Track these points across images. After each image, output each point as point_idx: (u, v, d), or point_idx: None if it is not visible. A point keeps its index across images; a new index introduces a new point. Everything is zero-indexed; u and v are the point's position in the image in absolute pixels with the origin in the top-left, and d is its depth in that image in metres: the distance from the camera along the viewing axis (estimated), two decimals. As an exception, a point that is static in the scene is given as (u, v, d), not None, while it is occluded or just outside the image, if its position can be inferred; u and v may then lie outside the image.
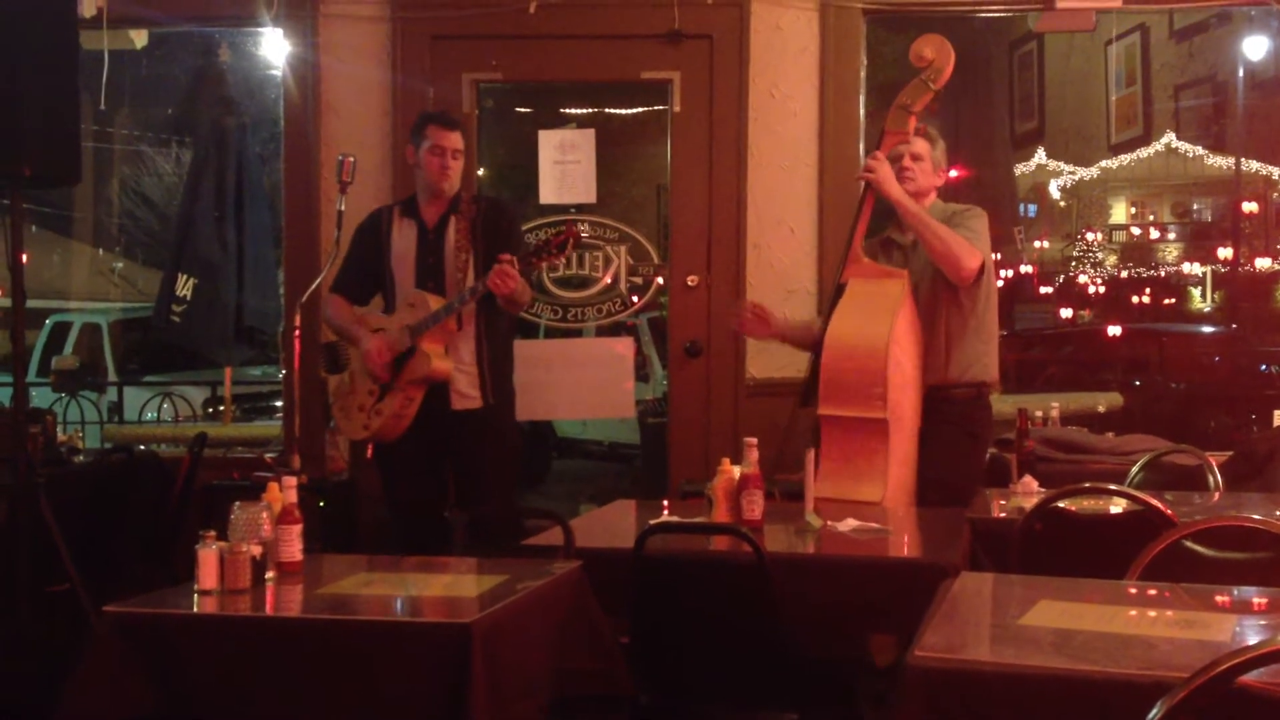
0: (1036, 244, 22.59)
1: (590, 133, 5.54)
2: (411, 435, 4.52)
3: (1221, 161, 19.97)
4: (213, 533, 2.84)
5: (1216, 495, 4.05)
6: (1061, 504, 3.47)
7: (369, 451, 4.64)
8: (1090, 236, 23.01)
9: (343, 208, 4.80)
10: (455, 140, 4.54)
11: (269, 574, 2.91)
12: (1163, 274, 22.85)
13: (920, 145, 4.41)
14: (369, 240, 4.67)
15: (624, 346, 5.33)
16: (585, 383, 5.53)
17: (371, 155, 5.46)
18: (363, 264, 4.67)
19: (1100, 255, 23.11)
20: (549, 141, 5.61)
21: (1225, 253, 20.54)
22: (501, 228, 4.56)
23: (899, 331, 4.08)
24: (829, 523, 3.50)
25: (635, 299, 5.72)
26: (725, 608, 3.11)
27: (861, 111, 5.51)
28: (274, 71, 5.83)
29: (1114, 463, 4.57)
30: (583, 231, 4.31)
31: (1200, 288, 22.36)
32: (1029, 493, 3.83)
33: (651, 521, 3.30)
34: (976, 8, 5.72)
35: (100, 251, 17.88)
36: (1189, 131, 20.51)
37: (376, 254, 4.63)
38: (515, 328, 4.72)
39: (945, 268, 4.20)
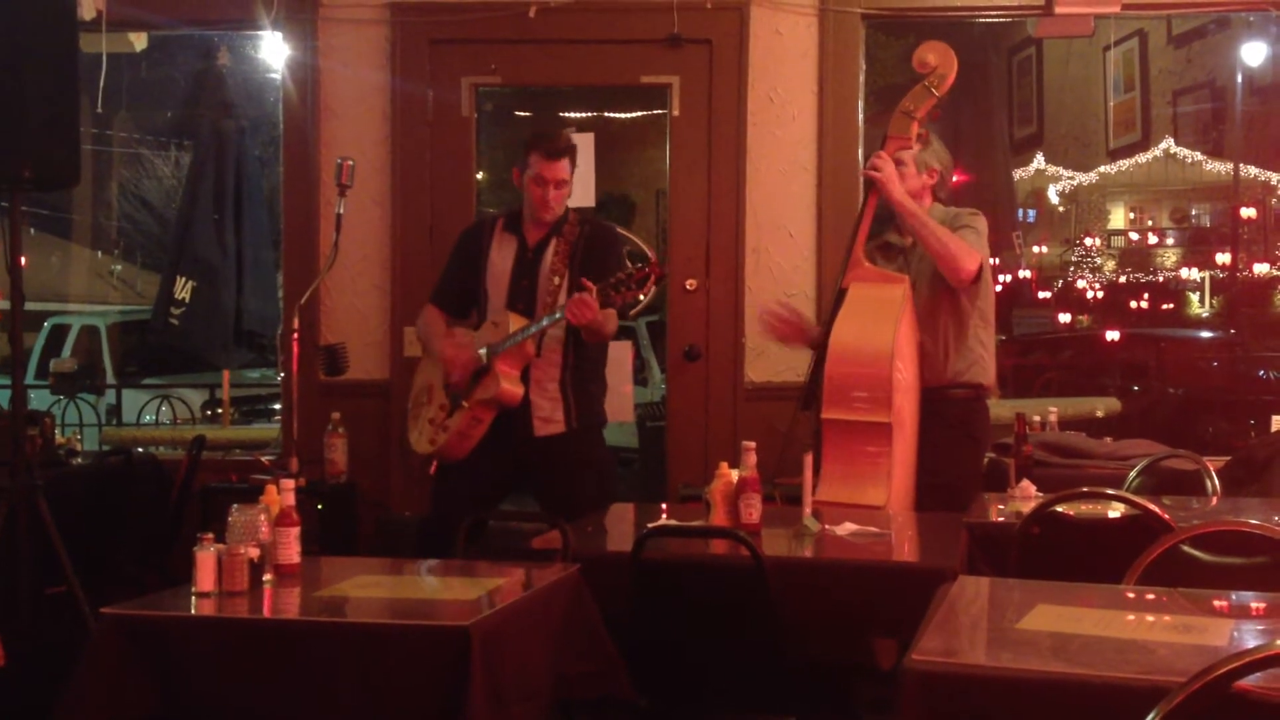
0: (1035, 249, 22.58)
1: (589, 137, 5.53)
2: (481, 461, 4.35)
3: (1220, 167, 19.96)
4: (210, 535, 2.85)
5: (1214, 500, 4.06)
6: (1059, 508, 3.47)
7: (432, 468, 4.47)
8: (1089, 242, 23.00)
9: (342, 210, 4.82)
10: (559, 170, 4.30)
11: (267, 576, 2.91)
12: (1161, 279, 22.84)
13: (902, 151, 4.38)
14: (467, 252, 4.53)
15: (622, 350, 5.31)
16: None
17: (370, 159, 5.47)
18: (459, 276, 4.53)
19: (1099, 260, 23.10)
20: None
21: (1224, 258, 20.53)
22: (599, 254, 4.34)
23: (901, 336, 4.09)
24: (827, 526, 3.50)
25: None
26: (723, 611, 3.12)
27: (860, 116, 5.52)
28: (273, 75, 5.83)
29: (1112, 467, 4.57)
30: (665, 272, 4.16)
31: (1199, 293, 22.33)
32: (1027, 497, 3.84)
33: (650, 525, 3.32)
34: (975, 13, 5.73)
35: (99, 254, 17.88)
36: (1187, 137, 20.49)
37: (473, 266, 4.48)
38: (605, 352, 4.55)
39: (944, 268, 4.20)
